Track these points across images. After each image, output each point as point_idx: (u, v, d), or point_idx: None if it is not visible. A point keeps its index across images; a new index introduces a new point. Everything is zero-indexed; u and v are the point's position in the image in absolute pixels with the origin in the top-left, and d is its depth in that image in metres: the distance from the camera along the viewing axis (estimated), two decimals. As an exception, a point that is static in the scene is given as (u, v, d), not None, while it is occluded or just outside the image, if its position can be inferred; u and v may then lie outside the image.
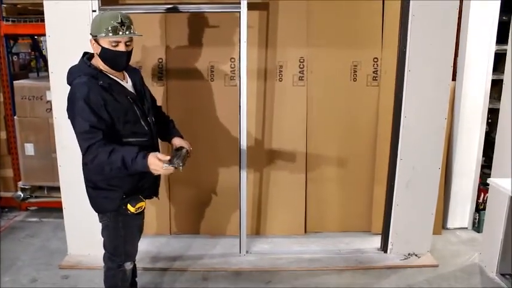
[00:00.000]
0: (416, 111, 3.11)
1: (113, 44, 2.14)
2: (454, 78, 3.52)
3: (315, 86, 3.52)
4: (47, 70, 3.47)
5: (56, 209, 3.68)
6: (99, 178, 2.25)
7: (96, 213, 2.38)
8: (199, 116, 3.50)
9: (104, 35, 2.11)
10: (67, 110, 2.16)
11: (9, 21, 3.80)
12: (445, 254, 3.45)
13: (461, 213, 3.88)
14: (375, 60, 3.49)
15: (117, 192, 2.25)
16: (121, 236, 2.36)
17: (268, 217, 3.70)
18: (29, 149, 3.97)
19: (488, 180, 2.76)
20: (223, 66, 3.47)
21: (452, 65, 3.10)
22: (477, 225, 3.82)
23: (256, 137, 3.52)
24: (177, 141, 2.47)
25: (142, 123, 2.29)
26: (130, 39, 2.20)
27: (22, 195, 4.08)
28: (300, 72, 3.49)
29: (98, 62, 2.21)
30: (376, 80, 3.51)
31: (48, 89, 3.27)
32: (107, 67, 2.21)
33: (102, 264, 2.49)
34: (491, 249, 3.15)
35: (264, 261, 3.31)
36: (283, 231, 3.70)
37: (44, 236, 3.72)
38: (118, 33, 2.12)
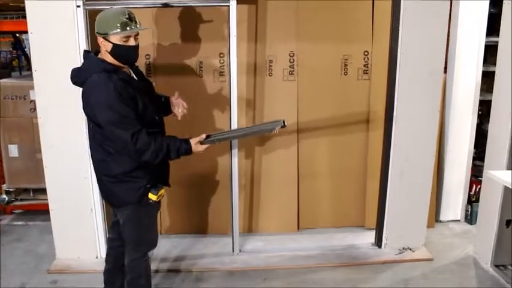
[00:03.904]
0: (409, 103, 3.09)
1: (124, 40, 2.15)
2: (445, 71, 3.52)
3: (305, 80, 3.48)
4: (29, 69, 3.38)
5: (43, 212, 3.59)
6: (122, 171, 2.24)
7: (112, 209, 2.47)
8: (188, 112, 3.42)
9: (119, 30, 2.12)
10: (88, 104, 2.15)
11: (-12, 18, 3.69)
12: (439, 247, 3.46)
13: (453, 205, 3.89)
14: (366, 53, 3.47)
15: (141, 182, 2.27)
16: (144, 226, 2.41)
17: (261, 214, 3.66)
18: (13, 150, 3.85)
19: (485, 173, 2.74)
20: (212, 61, 3.41)
21: (444, 57, 3.09)
22: (469, 217, 3.84)
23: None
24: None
25: (154, 114, 2.32)
26: (138, 33, 2.22)
27: (7, 199, 3.96)
28: (290, 66, 3.44)
29: (107, 59, 2.20)
30: (367, 73, 3.49)
31: (32, 88, 3.15)
32: (117, 63, 2.21)
33: (127, 257, 2.48)
34: (485, 241, 3.16)
35: (258, 260, 3.27)
36: (276, 228, 3.67)
37: (31, 240, 3.63)
38: (131, 28, 2.15)
